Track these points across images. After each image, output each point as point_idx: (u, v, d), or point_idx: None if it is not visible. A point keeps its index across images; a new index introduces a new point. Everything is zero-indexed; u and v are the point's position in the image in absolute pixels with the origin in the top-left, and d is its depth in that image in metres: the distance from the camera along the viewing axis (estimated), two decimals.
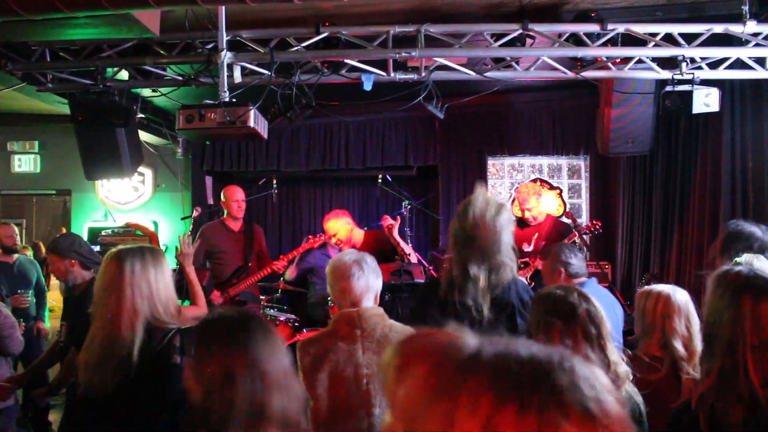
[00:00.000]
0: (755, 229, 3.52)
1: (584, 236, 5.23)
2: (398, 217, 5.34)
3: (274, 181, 6.89)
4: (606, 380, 0.61)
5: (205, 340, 1.66)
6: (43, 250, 6.96)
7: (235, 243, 5.45)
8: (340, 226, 5.58)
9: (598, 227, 5.29)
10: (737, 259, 3.07)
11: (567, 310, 1.97)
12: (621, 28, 4.37)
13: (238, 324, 1.66)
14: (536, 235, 5.31)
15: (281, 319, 5.47)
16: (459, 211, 2.64)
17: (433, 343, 0.66)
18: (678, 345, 2.40)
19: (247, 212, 5.68)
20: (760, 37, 4.32)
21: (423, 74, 4.60)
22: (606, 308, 2.68)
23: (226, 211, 5.54)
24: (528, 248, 5.29)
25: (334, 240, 5.63)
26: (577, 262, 3.46)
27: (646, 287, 2.58)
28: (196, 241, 5.50)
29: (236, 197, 5.48)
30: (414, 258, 5.13)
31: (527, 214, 5.35)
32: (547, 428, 0.55)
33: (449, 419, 0.57)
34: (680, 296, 2.49)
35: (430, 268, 5.70)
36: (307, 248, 5.61)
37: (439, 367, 0.62)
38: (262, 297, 5.90)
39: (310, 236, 5.79)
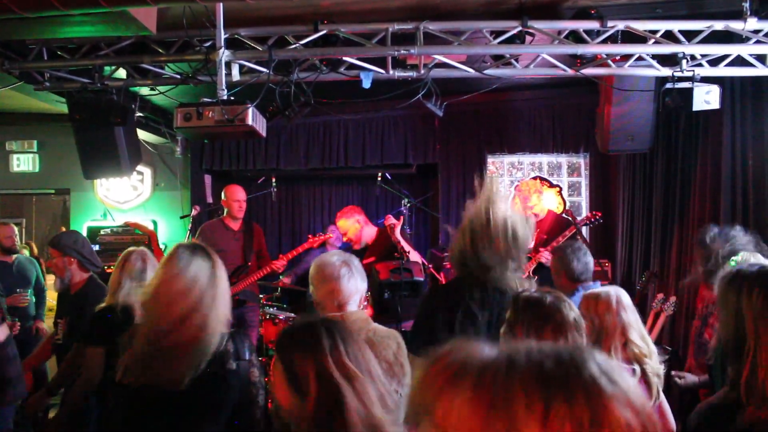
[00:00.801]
0: (725, 238, 3.50)
1: (584, 228, 5.24)
2: (401, 218, 5.34)
3: (273, 180, 6.88)
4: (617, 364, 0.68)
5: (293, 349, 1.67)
6: (35, 250, 6.96)
7: (234, 242, 5.45)
8: (349, 224, 5.57)
9: (598, 217, 5.29)
10: (734, 258, 3.05)
11: (558, 318, 1.98)
12: (621, 25, 4.35)
13: (325, 331, 1.67)
14: (537, 230, 5.31)
15: (281, 317, 5.46)
16: (479, 218, 2.51)
17: (463, 361, 0.68)
18: (639, 341, 2.43)
19: (247, 211, 5.68)
20: (761, 34, 4.30)
21: (422, 72, 4.57)
22: None
23: (226, 210, 5.53)
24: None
25: (344, 238, 5.62)
26: (580, 265, 3.50)
27: (590, 291, 2.58)
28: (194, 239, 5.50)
29: (237, 197, 5.48)
30: (416, 257, 5.12)
31: (529, 212, 5.34)
32: (597, 409, 0.61)
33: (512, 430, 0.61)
34: (625, 294, 2.55)
35: (430, 266, 5.69)
36: (307, 248, 5.61)
37: (482, 384, 0.64)
38: (261, 296, 5.90)
39: (309, 236, 5.79)
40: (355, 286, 2.38)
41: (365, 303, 3.06)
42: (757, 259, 3.03)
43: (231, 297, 5.38)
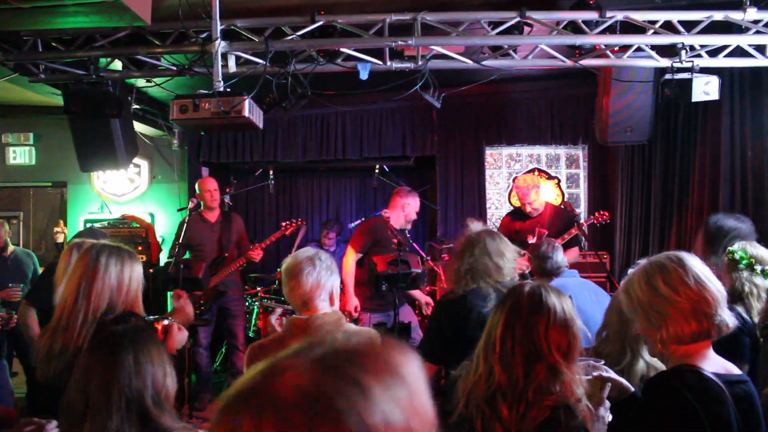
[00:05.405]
0: (737, 223, 3.53)
1: (585, 227, 5.24)
2: None
3: (271, 172, 6.87)
4: None
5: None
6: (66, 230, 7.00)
7: (211, 234, 5.52)
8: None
9: (606, 218, 5.31)
10: (731, 248, 3.03)
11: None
12: (620, 15, 4.32)
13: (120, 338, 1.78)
14: (537, 225, 5.30)
15: (278, 310, 5.48)
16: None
17: None
18: None
19: (233, 203, 5.67)
20: (761, 24, 4.27)
21: (419, 63, 4.55)
22: (589, 301, 2.71)
23: (202, 204, 5.55)
24: (532, 240, 5.28)
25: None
26: (542, 263, 3.75)
27: None
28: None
29: (209, 187, 5.56)
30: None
31: (528, 208, 5.33)
32: None
33: None
34: None
35: (428, 258, 5.68)
36: (279, 236, 5.65)
37: None
38: (258, 288, 5.90)
39: (282, 223, 5.78)
40: (316, 280, 2.26)
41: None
42: (755, 248, 3.00)
43: (212, 288, 5.43)
